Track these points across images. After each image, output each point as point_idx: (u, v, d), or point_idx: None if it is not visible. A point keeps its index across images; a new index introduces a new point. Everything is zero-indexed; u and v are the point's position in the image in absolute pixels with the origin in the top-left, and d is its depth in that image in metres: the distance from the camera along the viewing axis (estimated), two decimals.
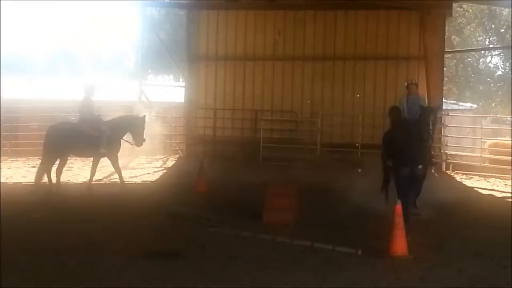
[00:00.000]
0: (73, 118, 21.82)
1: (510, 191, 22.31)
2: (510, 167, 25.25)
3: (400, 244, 12.32)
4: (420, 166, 15.83)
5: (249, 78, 32.12)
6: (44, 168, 20.17)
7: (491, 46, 58.70)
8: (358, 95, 30.73)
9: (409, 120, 16.75)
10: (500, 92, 58.55)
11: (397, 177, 15.77)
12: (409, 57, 30.33)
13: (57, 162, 20.42)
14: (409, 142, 15.67)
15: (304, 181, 20.73)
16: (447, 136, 28.81)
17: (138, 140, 20.94)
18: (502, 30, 58.18)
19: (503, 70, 60.61)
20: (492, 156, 27.75)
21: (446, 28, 32.19)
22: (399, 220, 12.39)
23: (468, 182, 25.01)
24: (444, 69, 32.99)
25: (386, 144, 17.07)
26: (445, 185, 21.66)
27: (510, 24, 52.71)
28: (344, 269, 11.46)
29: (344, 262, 11.96)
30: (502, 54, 59.98)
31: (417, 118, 16.29)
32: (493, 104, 58.46)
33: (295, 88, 31.59)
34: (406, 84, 17.93)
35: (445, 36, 31.57)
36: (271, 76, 31.90)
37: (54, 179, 20.04)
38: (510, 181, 23.92)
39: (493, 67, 61.66)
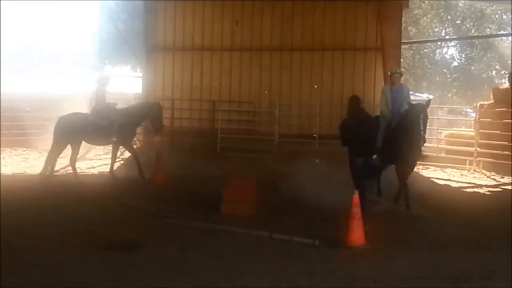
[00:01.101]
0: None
1: (466, 181, 22.56)
2: (466, 157, 25.51)
3: (357, 234, 12.38)
4: (374, 156, 15.88)
5: (206, 69, 32.01)
6: (52, 158, 20.58)
7: (447, 37, 59.11)
8: (315, 86, 30.74)
9: (394, 114, 16.71)
10: (456, 83, 59.06)
11: (352, 166, 15.76)
12: (366, 47, 30.39)
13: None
14: (364, 132, 15.63)
15: (262, 172, 20.73)
16: None
17: (156, 126, 21.27)
18: (458, 22, 58.69)
19: (459, 61, 61.17)
20: (449, 147, 28.00)
21: (402, 19, 32.24)
22: (356, 210, 12.45)
23: (425, 173, 25.21)
24: (401, 60, 33.13)
25: (342, 133, 16.26)
26: None
27: (465, 15, 53.15)
28: (301, 259, 11.49)
29: (302, 252, 12.00)
30: (458, 45, 60.55)
31: (403, 114, 16.29)
32: (449, 95, 58.94)
33: (253, 78, 31.54)
34: (389, 73, 17.49)
35: (402, 27, 31.68)
36: (229, 66, 31.82)
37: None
38: (466, 171, 24.17)
39: (449, 58, 62.18)
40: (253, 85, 31.43)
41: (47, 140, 22.36)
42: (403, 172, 16.44)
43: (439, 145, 28.13)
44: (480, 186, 22.00)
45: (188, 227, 14.03)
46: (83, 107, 21.67)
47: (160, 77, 32.28)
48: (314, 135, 29.08)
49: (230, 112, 31.05)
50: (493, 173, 24.23)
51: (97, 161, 25.85)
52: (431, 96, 47.00)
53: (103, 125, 20.59)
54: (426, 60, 59.93)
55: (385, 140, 16.56)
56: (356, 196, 12.60)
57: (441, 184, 22.25)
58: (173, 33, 32.34)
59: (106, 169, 21.69)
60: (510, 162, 23.46)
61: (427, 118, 16.11)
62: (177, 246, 12.36)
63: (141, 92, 32.70)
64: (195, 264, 11.03)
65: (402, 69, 27.03)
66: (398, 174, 16.55)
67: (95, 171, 23.39)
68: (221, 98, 31.29)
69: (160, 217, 14.88)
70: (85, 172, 22.34)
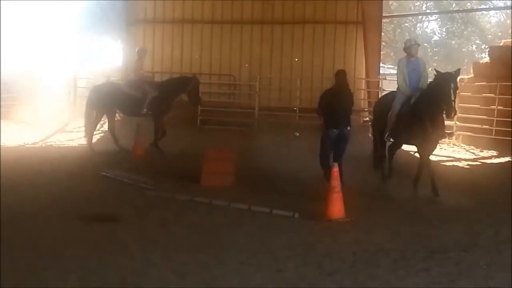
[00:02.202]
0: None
1: (445, 154, 22.62)
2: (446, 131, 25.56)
3: (337, 207, 12.43)
4: (348, 128, 15.81)
5: (187, 42, 31.90)
6: (89, 127, 21.08)
7: (428, 11, 59.09)
8: (296, 59, 30.73)
9: (413, 90, 15.08)
10: (436, 57, 59.12)
11: (326, 137, 15.69)
12: (347, 21, 30.38)
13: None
14: (342, 104, 15.60)
15: (242, 144, 20.73)
16: None
17: (193, 100, 21.31)
18: None
19: (439, 36, 61.20)
20: None
21: None
22: (336, 183, 12.50)
23: (404, 145, 25.20)
24: (382, 33, 33.14)
25: (321, 105, 16.20)
26: None
27: None
28: (281, 232, 11.51)
29: (281, 225, 12.03)
30: (438, 19, 60.52)
31: (429, 85, 14.76)
32: (429, 69, 58.96)
33: (233, 51, 31.47)
34: (405, 45, 15.65)
35: (383, 1, 31.68)
36: (210, 39, 31.72)
37: None
38: (446, 145, 24.25)
39: (430, 32, 62.19)
40: (233, 58, 31.36)
41: (23, 111, 22.26)
42: (427, 151, 15.28)
43: None
44: (460, 159, 22.07)
45: (168, 199, 14.03)
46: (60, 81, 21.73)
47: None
48: (295, 108, 29.05)
49: (210, 85, 30.99)
50: (472, 147, 24.30)
51: (76, 133, 25.69)
52: None
53: (136, 96, 20.67)
54: (407, 34, 59.88)
55: (402, 118, 15.00)
56: (336, 169, 12.65)
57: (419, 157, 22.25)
58: (153, 5, 32.18)
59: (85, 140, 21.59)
60: (489, 136, 23.54)
61: (457, 88, 15.06)
62: (156, 219, 12.35)
63: (121, 65, 32.52)
64: (174, 237, 11.03)
65: (383, 43, 26.98)
66: (421, 154, 15.47)
67: (74, 143, 23.28)
68: (202, 71, 31.18)
69: (140, 189, 14.86)
70: (64, 145, 22.22)
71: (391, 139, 15.57)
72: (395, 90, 15.92)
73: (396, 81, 15.77)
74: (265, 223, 12.19)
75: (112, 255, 9.72)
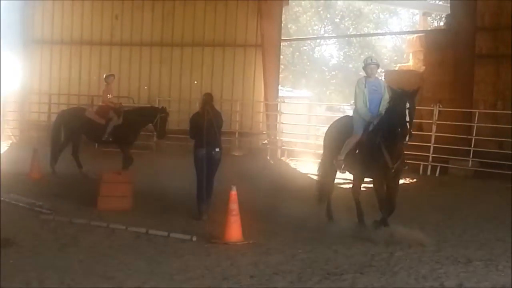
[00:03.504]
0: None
1: (343, 177, 22.87)
2: None
3: (234, 230, 12.47)
4: (217, 149, 15.70)
5: (85, 63, 31.65)
6: (57, 151, 20.79)
7: (326, 35, 60.06)
8: (195, 82, 30.77)
9: (374, 114, 13.41)
10: (334, 81, 60.10)
11: (195, 157, 15.64)
12: (246, 44, 30.58)
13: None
14: (208, 125, 15.51)
15: (140, 167, 20.59)
16: (283, 123, 29.30)
17: (159, 133, 21.07)
18: (337, 20, 59.73)
19: (337, 59, 62.24)
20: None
21: (282, 16, 32.68)
22: (234, 206, 12.52)
23: (303, 169, 25.48)
24: (281, 56, 33.50)
25: (191, 126, 15.87)
26: (280, 171, 22.04)
27: (344, 14, 54.11)
28: (178, 255, 11.50)
29: (179, 248, 12.01)
30: (336, 43, 61.58)
31: (389, 108, 12.84)
32: (327, 92, 59.86)
33: (132, 73, 31.35)
34: (363, 65, 13.94)
35: (282, 24, 32.04)
36: (108, 61, 31.52)
37: None
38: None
39: (328, 56, 63.20)
40: (132, 80, 31.22)
41: None
42: (392, 190, 13.31)
43: (317, 142, 28.49)
44: None
45: (64, 223, 13.84)
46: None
47: (37, 71, 31.72)
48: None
49: None
50: None
51: None
52: (309, 93, 47.74)
53: (100, 123, 20.46)
54: (305, 57, 60.74)
55: (363, 147, 13.40)
56: (233, 192, 12.68)
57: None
58: (51, 26, 31.83)
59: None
60: None
61: (415, 109, 12.60)
62: (53, 243, 12.17)
63: (18, 86, 31.98)
64: (71, 261, 10.87)
65: (282, 66, 27.21)
66: (381, 193, 13.33)
67: None
68: (100, 93, 30.89)
69: (36, 213, 14.62)
70: None
71: (346, 171, 14.26)
72: (348, 115, 14.93)
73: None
74: (163, 247, 12.16)
75: (6, 280, 9.52)
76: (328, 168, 14.80)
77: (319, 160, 15.89)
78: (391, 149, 12.84)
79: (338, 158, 13.88)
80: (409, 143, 12.74)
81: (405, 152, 13.54)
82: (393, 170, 12.99)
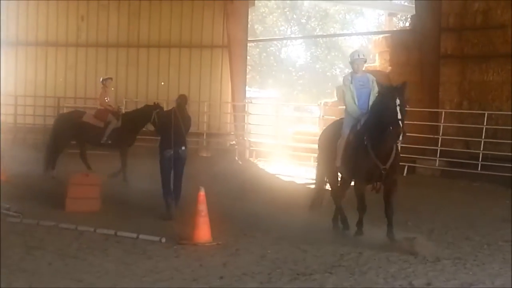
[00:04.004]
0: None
1: (311, 177, 22.96)
2: (311, 154, 26.02)
3: (203, 231, 12.45)
4: (183, 148, 15.68)
5: (51, 65, 31.50)
6: (52, 157, 20.60)
7: (292, 35, 60.20)
8: (162, 83, 30.73)
9: (363, 111, 12.77)
10: (301, 81, 60.21)
11: (161, 157, 15.60)
12: (213, 45, 30.58)
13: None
14: (174, 125, 15.48)
15: (109, 168, 20.52)
16: (250, 123, 29.34)
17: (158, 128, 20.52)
18: (303, 21, 59.88)
19: (304, 60, 62.41)
20: (294, 144, 28.50)
21: (249, 17, 32.72)
22: (203, 207, 12.51)
23: (271, 169, 25.53)
24: (247, 57, 33.53)
25: (159, 128, 16.17)
26: (247, 172, 22.06)
27: (310, 15, 54.27)
28: (147, 257, 11.46)
29: (148, 250, 11.95)
30: (303, 43, 61.72)
31: (376, 105, 12.21)
32: (295, 93, 59.98)
33: (98, 75, 31.08)
34: (350, 60, 13.23)
35: (248, 25, 32.08)
36: (74, 62, 31.40)
37: None
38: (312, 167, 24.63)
39: (295, 57, 63.33)
40: (99, 81, 30.96)
41: None
42: (388, 192, 12.79)
43: (285, 142, 28.57)
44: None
45: (32, 225, 13.73)
46: None
47: (3, 72, 31.42)
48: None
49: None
50: None
51: None
52: (277, 94, 47.73)
53: (99, 126, 20.47)
54: (272, 58, 60.84)
55: (349, 147, 12.84)
56: (202, 193, 12.65)
57: (286, 181, 22.57)
58: (16, 27, 31.60)
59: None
60: None
61: (406, 105, 11.96)
62: (20, 246, 12.07)
63: None
64: (39, 264, 10.81)
65: (249, 67, 27.20)
66: (361, 197, 12.93)
67: None
68: (67, 95, 30.82)
69: (2, 216, 14.48)
70: None
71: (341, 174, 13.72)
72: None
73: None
74: (132, 248, 12.10)
75: None
76: (323, 173, 14.30)
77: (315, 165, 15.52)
78: (380, 149, 12.18)
79: (335, 164, 13.17)
80: None
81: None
82: (383, 172, 12.27)
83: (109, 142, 20.64)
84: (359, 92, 12.87)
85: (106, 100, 21.23)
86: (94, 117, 20.82)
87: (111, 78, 22.44)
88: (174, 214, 14.86)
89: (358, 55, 13.03)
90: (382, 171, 12.27)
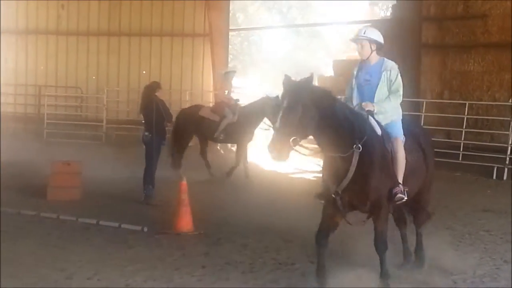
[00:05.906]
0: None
1: (294, 166, 22.96)
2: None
3: (185, 220, 12.46)
4: (164, 142, 15.71)
5: (31, 53, 31.34)
6: (178, 156, 19.54)
7: (274, 25, 60.09)
8: (144, 71, 30.62)
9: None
10: (283, 70, 60.12)
11: (147, 144, 15.60)
12: (194, 34, 30.48)
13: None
14: (157, 115, 15.53)
15: (90, 157, 20.46)
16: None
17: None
18: (284, 10, 59.78)
19: (286, 49, 62.33)
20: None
21: (230, 6, 32.68)
22: (184, 196, 12.52)
23: (253, 158, 25.47)
24: (229, 46, 33.48)
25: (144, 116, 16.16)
26: (230, 161, 22.01)
27: (292, 4, 54.22)
28: (129, 246, 11.49)
29: (130, 239, 11.97)
30: (285, 32, 61.64)
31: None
32: (276, 81, 59.80)
33: (79, 63, 31.11)
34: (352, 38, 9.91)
35: (230, 14, 32.02)
36: (55, 51, 31.25)
37: None
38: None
39: (277, 46, 63.23)
40: (80, 70, 31.01)
41: None
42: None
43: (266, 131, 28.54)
44: (306, 171, 22.44)
45: (13, 215, 13.70)
46: None
47: None
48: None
49: (56, 98, 30.53)
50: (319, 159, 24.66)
51: None
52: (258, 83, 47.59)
53: (214, 121, 19.71)
54: (253, 47, 60.75)
55: None
56: (183, 183, 12.66)
57: (267, 170, 22.53)
58: None
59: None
60: None
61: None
62: (2, 235, 12.03)
63: None
64: (21, 253, 10.79)
65: (231, 56, 27.00)
66: None
67: None
68: (47, 83, 30.69)
69: None
70: None
71: None
72: None
73: None
74: (114, 237, 12.11)
75: None
76: None
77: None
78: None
79: None
80: None
81: None
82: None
83: (221, 137, 19.99)
84: (360, 91, 9.75)
85: (226, 93, 20.51)
86: (210, 111, 20.04)
87: (235, 71, 21.61)
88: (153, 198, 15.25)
89: (363, 33, 9.55)
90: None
